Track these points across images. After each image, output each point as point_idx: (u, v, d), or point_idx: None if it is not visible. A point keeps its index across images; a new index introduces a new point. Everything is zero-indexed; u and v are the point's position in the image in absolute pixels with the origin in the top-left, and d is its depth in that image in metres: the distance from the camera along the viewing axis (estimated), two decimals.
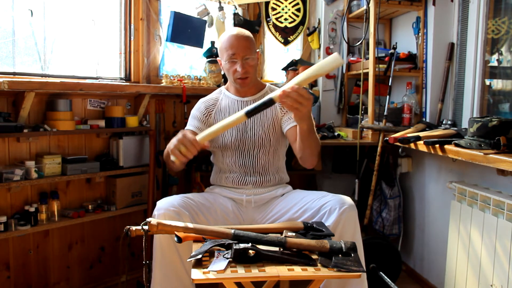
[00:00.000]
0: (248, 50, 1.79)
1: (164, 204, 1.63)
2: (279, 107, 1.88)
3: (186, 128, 1.92)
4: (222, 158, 1.89)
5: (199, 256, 1.24)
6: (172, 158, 1.45)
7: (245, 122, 1.85)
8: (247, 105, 1.86)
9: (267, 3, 2.91)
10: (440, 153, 1.93)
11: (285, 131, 1.86)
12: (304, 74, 1.42)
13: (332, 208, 1.64)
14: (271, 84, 2.15)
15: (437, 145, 1.94)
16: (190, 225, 1.37)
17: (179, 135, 1.44)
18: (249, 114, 1.43)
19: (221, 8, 2.60)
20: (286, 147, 1.96)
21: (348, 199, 1.68)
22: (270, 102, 1.42)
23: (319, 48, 2.92)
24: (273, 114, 1.87)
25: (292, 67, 2.64)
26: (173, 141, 1.45)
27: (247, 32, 1.84)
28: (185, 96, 2.45)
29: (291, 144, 1.87)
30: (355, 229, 1.66)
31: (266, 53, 3.03)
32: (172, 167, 1.66)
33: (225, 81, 2.63)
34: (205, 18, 2.59)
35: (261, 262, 1.27)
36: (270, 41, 3.00)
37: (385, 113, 2.41)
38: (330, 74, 2.91)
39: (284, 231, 1.47)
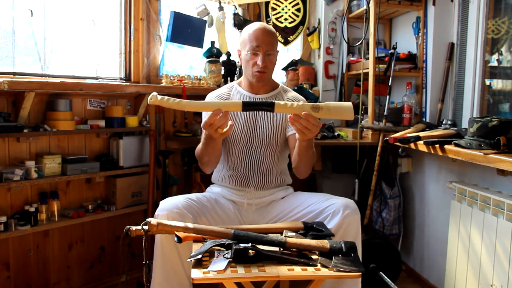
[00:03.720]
0: (271, 46, 1.79)
1: (168, 205, 1.62)
2: None
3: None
4: (227, 155, 1.88)
5: (199, 256, 1.24)
6: (220, 131, 1.49)
7: (255, 120, 1.84)
8: None
9: (267, 3, 2.91)
10: (440, 153, 1.93)
11: (287, 134, 1.86)
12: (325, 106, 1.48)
13: (336, 210, 1.65)
14: None
15: (437, 145, 1.94)
16: (190, 225, 1.37)
17: (205, 126, 1.48)
18: (245, 106, 1.45)
19: (221, 8, 2.60)
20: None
21: (352, 203, 1.68)
22: (270, 107, 1.44)
23: (319, 48, 2.92)
24: (282, 114, 1.86)
25: (292, 67, 2.64)
26: (207, 131, 1.52)
27: (273, 29, 1.85)
28: (185, 96, 2.45)
29: (290, 149, 1.88)
30: (357, 233, 1.66)
31: None
32: (205, 166, 1.80)
33: (225, 82, 2.63)
34: (205, 18, 2.58)
35: (261, 262, 1.27)
36: None
37: (385, 113, 2.41)
38: (330, 74, 2.91)
39: (284, 231, 1.48)
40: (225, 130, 1.48)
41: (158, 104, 1.43)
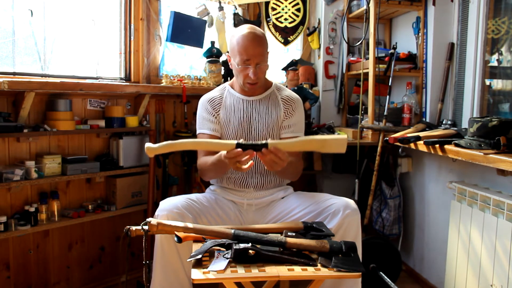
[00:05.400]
0: (262, 57, 1.74)
1: (167, 205, 1.62)
2: (283, 111, 1.88)
3: (198, 132, 1.89)
4: None
5: (199, 256, 1.24)
6: (245, 166, 1.50)
7: (249, 122, 1.84)
8: (253, 104, 1.86)
9: (267, 3, 2.91)
10: (440, 153, 1.93)
11: (280, 137, 1.88)
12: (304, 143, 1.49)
13: (336, 210, 1.65)
14: None
15: (437, 145, 1.94)
16: (190, 225, 1.37)
17: (225, 160, 1.49)
18: (239, 147, 1.44)
19: (221, 8, 2.61)
20: None
21: (352, 203, 1.68)
22: (263, 147, 1.44)
23: (319, 48, 2.92)
24: (277, 115, 1.86)
25: (292, 67, 2.64)
26: (223, 161, 1.53)
27: (261, 34, 1.77)
28: (185, 96, 2.45)
29: None
30: (357, 233, 1.66)
31: None
32: (207, 179, 1.86)
33: (225, 81, 2.63)
34: (205, 18, 2.59)
35: (261, 262, 1.27)
36: (270, 41, 2.98)
37: (385, 113, 2.41)
38: (330, 74, 2.91)
39: (284, 231, 1.47)
40: (244, 167, 1.48)
41: (157, 153, 1.44)
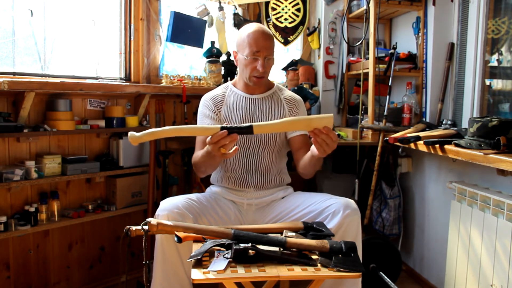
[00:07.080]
0: (271, 50, 1.79)
1: (168, 205, 1.62)
2: (288, 109, 1.88)
3: None
4: None
5: (199, 256, 1.24)
6: (223, 150, 1.48)
7: (251, 119, 1.84)
8: (255, 103, 1.87)
9: (267, 3, 2.91)
10: (440, 153, 1.93)
11: (288, 137, 1.87)
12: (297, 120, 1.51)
13: (336, 210, 1.65)
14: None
15: (437, 145, 1.94)
16: (190, 225, 1.37)
17: (209, 143, 1.48)
18: (223, 129, 1.44)
19: (221, 8, 2.61)
20: (288, 148, 1.96)
21: (352, 203, 1.68)
22: (248, 131, 1.44)
23: (319, 48, 2.92)
24: (281, 114, 1.87)
25: (292, 67, 2.64)
26: (210, 150, 1.52)
27: (270, 31, 1.84)
28: (185, 96, 2.45)
29: (293, 151, 1.88)
30: (357, 233, 1.66)
31: None
32: (202, 174, 1.82)
33: (225, 82, 2.63)
34: (205, 18, 2.59)
35: (261, 262, 1.27)
36: None
37: (385, 113, 2.41)
38: (330, 74, 2.91)
39: (284, 231, 1.48)
40: (228, 152, 1.48)
41: (141, 141, 1.44)
